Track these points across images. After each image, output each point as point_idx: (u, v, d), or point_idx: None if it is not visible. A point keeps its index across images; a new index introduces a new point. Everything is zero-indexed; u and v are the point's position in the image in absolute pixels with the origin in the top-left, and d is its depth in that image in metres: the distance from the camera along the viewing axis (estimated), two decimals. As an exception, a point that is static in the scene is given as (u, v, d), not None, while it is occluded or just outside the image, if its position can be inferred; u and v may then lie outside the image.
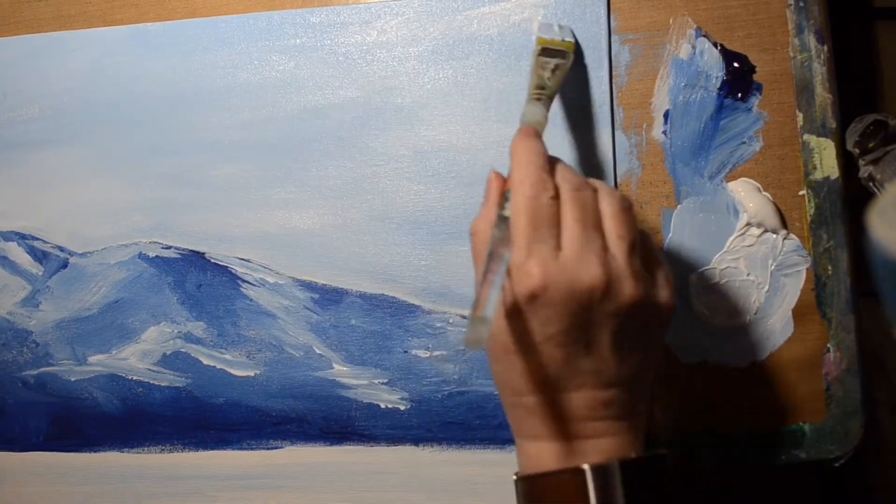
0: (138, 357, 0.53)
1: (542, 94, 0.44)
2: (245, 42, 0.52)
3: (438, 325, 0.51)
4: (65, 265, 0.53)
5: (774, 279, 0.50)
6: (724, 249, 0.51)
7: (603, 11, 0.49)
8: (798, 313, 0.51)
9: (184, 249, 0.52)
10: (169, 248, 0.52)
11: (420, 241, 0.51)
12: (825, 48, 0.50)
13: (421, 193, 0.51)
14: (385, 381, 0.51)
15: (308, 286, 0.52)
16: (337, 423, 0.51)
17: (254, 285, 0.52)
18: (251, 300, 0.52)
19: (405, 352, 0.51)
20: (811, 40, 0.50)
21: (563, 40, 0.48)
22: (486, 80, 0.50)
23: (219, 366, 0.52)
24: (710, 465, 0.51)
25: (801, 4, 0.50)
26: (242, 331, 0.52)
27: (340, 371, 0.51)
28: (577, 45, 0.49)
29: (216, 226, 0.52)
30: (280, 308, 0.52)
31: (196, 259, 0.52)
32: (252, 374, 0.52)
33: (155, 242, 0.53)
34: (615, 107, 0.51)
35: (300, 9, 0.52)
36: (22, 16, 0.54)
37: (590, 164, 0.50)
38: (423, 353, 0.51)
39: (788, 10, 0.50)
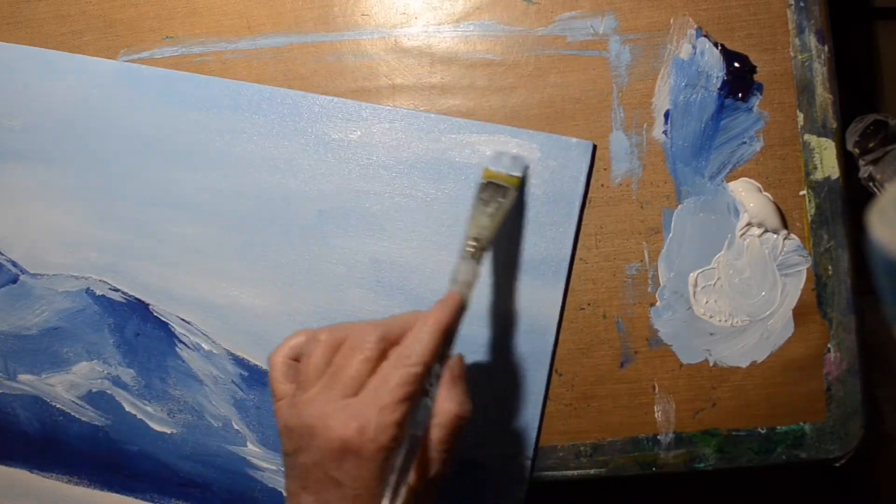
0: (65, 387, 0.53)
1: (475, 247, 0.43)
2: (231, 109, 0.52)
3: None
4: (14, 280, 0.54)
5: (775, 279, 0.50)
6: (725, 249, 0.51)
7: (585, 167, 0.50)
8: (798, 313, 0.51)
9: (130, 296, 0.53)
10: (117, 290, 0.53)
11: None
12: (826, 48, 0.50)
13: (369, 302, 0.51)
14: None
15: (240, 362, 0.52)
16: (239, 499, 0.52)
17: (189, 347, 0.52)
18: (183, 361, 0.53)
19: None
20: (812, 40, 0.50)
21: (509, 175, 0.47)
22: (454, 207, 0.50)
23: (139, 415, 0.53)
24: (710, 465, 0.51)
25: (802, 4, 0.50)
26: (169, 388, 0.53)
27: (253, 451, 0.52)
28: (523, 181, 0.49)
29: (166, 281, 0.52)
30: (209, 376, 0.52)
31: (140, 308, 0.53)
32: (169, 431, 0.53)
33: (104, 282, 0.53)
34: (616, 106, 0.51)
35: (294, 90, 0.52)
36: (22, 15, 0.54)
37: (530, 318, 0.50)
38: None
39: (789, 10, 0.51)
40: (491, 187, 0.46)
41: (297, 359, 0.40)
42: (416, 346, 0.37)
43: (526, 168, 0.50)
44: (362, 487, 0.36)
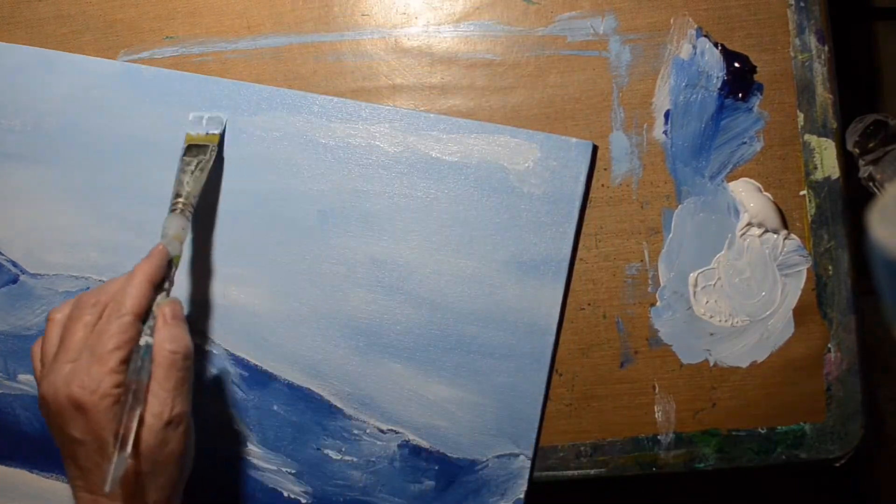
0: None
1: (179, 203, 0.46)
2: (231, 109, 0.52)
3: (356, 431, 0.51)
4: (14, 280, 0.53)
5: (775, 279, 0.50)
6: (725, 249, 0.51)
7: (585, 167, 0.50)
8: (799, 313, 0.51)
9: None
10: None
11: (357, 347, 0.51)
12: (826, 48, 0.50)
13: (368, 302, 0.51)
14: (293, 471, 0.52)
15: (240, 362, 0.52)
16: (239, 499, 0.52)
17: None
18: None
19: (318, 449, 0.51)
20: (812, 40, 0.50)
21: (207, 134, 0.50)
22: (453, 207, 0.51)
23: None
24: (710, 465, 0.51)
25: (802, 4, 0.50)
26: None
27: (253, 451, 0.52)
28: (222, 136, 0.51)
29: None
30: (209, 376, 0.52)
31: None
32: None
33: (104, 282, 0.53)
34: (616, 106, 0.51)
35: (294, 90, 0.52)
36: (22, 16, 0.54)
37: (530, 318, 0.50)
38: (334, 455, 0.51)
39: (789, 10, 0.51)
40: (193, 149, 0.49)
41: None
42: (124, 299, 0.41)
43: (224, 123, 0.51)
44: (97, 438, 0.39)
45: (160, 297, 0.43)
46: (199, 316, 0.52)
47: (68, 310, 0.42)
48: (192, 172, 0.48)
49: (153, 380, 0.40)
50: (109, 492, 0.37)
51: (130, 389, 0.39)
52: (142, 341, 0.41)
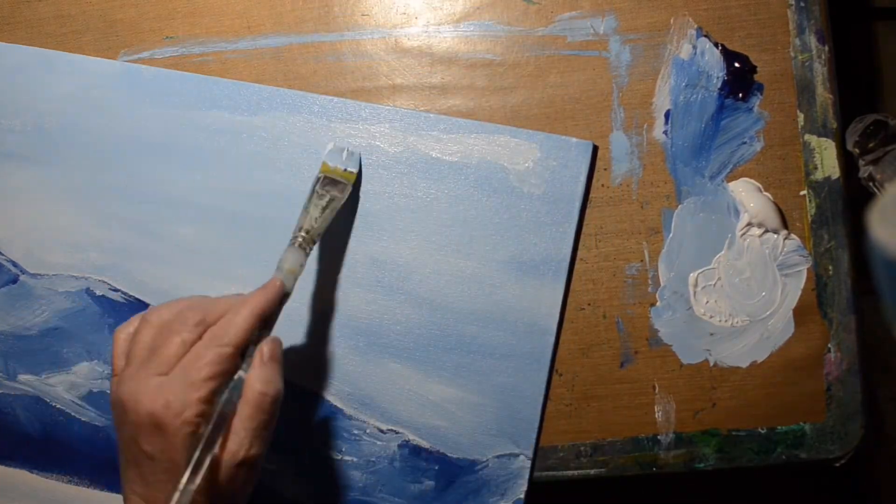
0: (66, 387, 0.53)
1: (305, 238, 0.45)
2: (231, 109, 0.52)
3: (356, 431, 0.51)
4: (14, 280, 0.53)
5: (775, 279, 0.50)
6: (725, 249, 0.51)
7: (585, 167, 0.50)
8: (799, 313, 0.51)
9: (130, 296, 0.53)
10: (117, 291, 0.53)
11: (357, 347, 0.51)
12: (826, 48, 0.50)
13: (368, 302, 0.51)
14: (293, 471, 0.52)
15: None
16: None
17: None
18: None
19: (318, 449, 0.52)
20: (812, 40, 0.50)
21: (345, 170, 0.49)
22: (454, 207, 0.51)
23: None
24: (710, 465, 0.51)
25: (802, 4, 0.50)
26: None
27: None
28: (359, 176, 0.50)
29: (166, 283, 0.52)
30: None
31: (140, 308, 0.52)
32: None
33: (104, 282, 0.53)
34: (616, 106, 0.51)
35: (294, 90, 0.52)
36: (22, 16, 0.54)
37: (530, 318, 0.50)
38: (334, 455, 0.51)
39: (789, 10, 0.51)
40: (327, 181, 0.48)
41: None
42: (230, 328, 0.40)
43: (360, 163, 0.50)
44: (170, 460, 0.38)
45: (263, 333, 0.41)
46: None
47: (168, 316, 0.40)
48: (323, 209, 0.46)
49: (237, 417, 0.39)
50: None
51: (213, 421, 0.38)
52: (236, 375, 0.40)
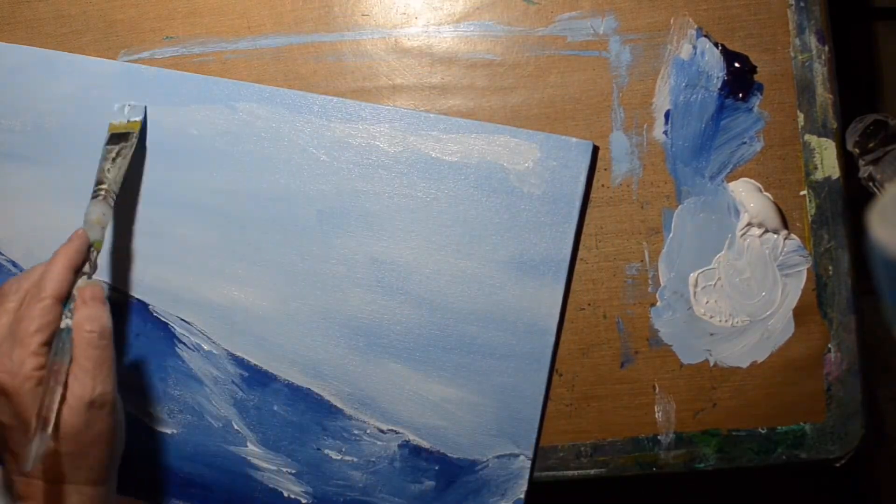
0: None
1: (102, 190, 0.47)
2: (231, 109, 0.52)
3: (356, 432, 0.51)
4: None
5: (775, 279, 0.50)
6: (725, 249, 0.51)
7: (585, 167, 0.50)
8: (799, 313, 0.51)
9: (130, 296, 0.53)
10: (117, 290, 0.53)
11: (357, 347, 0.51)
12: (826, 48, 0.50)
13: (368, 303, 0.51)
14: (294, 471, 0.52)
15: (240, 363, 0.52)
16: (240, 500, 0.52)
17: (189, 348, 0.52)
18: (183, 361, 0.52)
19: (318, 449, 0.51)
20: (812, 40, 0.50)
21: (129, 121, 0.51)
22: (454, 207, 0.51)
23: (139, 415, 0.53)
24: (711, 465, 0.51)
25: (802, 5, 0.50)
26: (169, 388, 0.53)
27: (253, 451, 0.52)
28: (143, 124, 0.52)
29: (166, 282, 0.52)
30: (209, 377, 0.52)
31: (140, 308, 0.53)
32: (169, 431, 0.53)
33: (104, 282, 0.53)
34: (616, 107, 0.51)
35: (294, 90, 0.52)
36: (22, 16, 0.54)
37: (530, 318, 0.50)
38: (334, 455, 0.51)
39: (789, 10, 0.51)
40: (115, 137, 0.50)
41: None
42: (44, 283, 0.41)
43: (145, 113, 0.52)
44: (24, 421, 0.39)
45: (81, 281, 0.43)
46: (199, 317, 0.52)
47: None
48: (114, 160, 0.49)
49: (73, 361, 0.41)
50: (30, 469, 0.38)
51: (52, 371, 0.40)
52: (62, 324, 0.41)
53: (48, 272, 0.42)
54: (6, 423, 0.40)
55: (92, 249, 0.45)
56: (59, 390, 0.40)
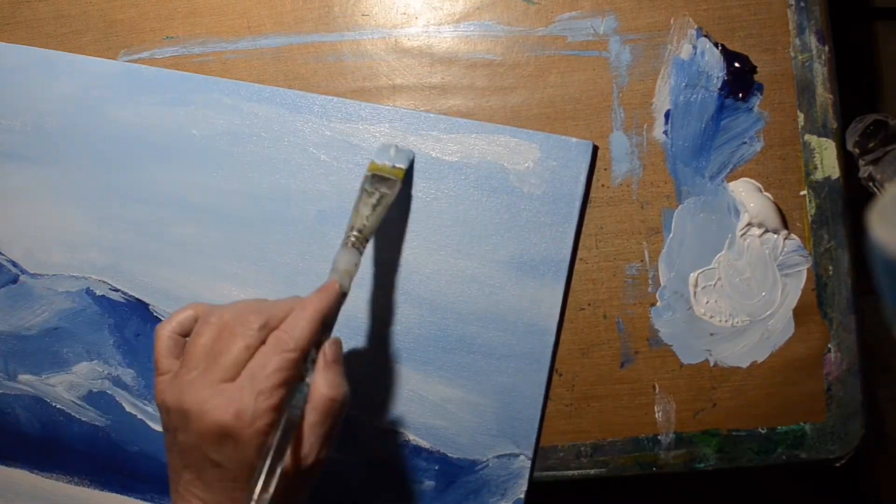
0: (66, 387, 0.53)
1: (358, 237, 0.44)
2: (231, 109, 0.52)
3: (356, 432, 0.51)
4: (14, 280, 0.54)
5: (775, 279, 0.50)
6: (725, 249, 0.51)
7: (585, 167, 0.50)
8: (799, 313, 0.51)
9: (130, 296, 0.53)
10: (117, 290, 0.53)
11: (357, 347, 0.51)
12: (826, 48, 0.50)
13: (368, 302, 0.51)
14: None
15: None
16: None
17: None
18: None
19: None
20: (812, 40, 0.50)
21: (393, 166, 0.48)
22: (453, 207, 0.51)
23: (140, 415, 0.53)
24: (711, 466, 0.51)
25: (802, 5, 0.50)
26: None
27: None
28: (408, 172, 0.49)
29: (166, 282, 0.52)
30: None
31: (140, 308, 0.53)
32: None
33: (104, 282, 0.53)
34: (616, 107, 0.51)
35: (294, 90, 0.52)
36: (22, 16, 0.54)
37: (530, 318, 0.50)
38: (334, 455, 0.51)
39: (789, 10, 0.51)
40: (376, 179, 0.47)
41: (184, 334, 0.41)
42: (294, 333, 0.39)
43: (411, 160, 0.50)
44: (240, 469, 0.37)
45: (325, 337, 0.41)
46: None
47: (228, 318, 0.39)
48: (374, 207, 0.45)
49: (305, 422, 0.39)
50: None
51: (281, 428, 0.37)
52: (301, 381, 0.39)
53: (298, 321, 0.39)
54: (216, 462, 0.37)
55: (341, 301, 0.42)
56: (287, 450, 0.37)
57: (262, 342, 0.39)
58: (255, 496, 0.36)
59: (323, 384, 0.39)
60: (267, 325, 0.39)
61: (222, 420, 0.37)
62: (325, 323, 0.40)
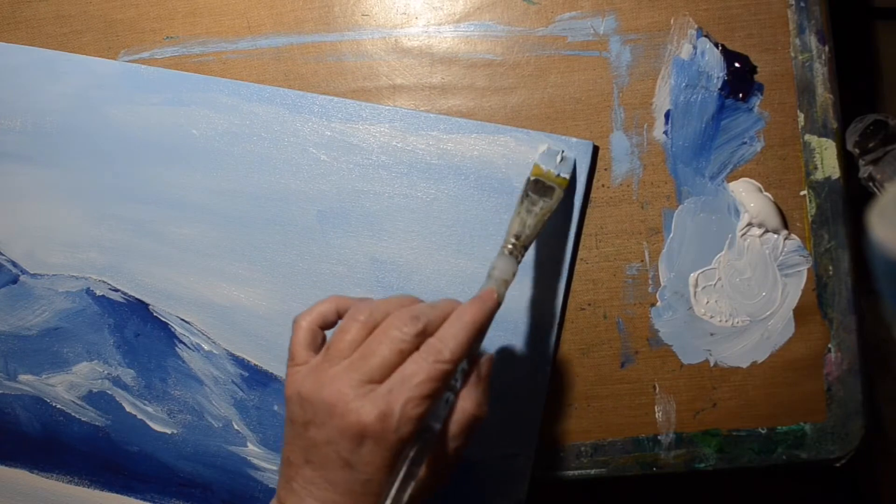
0: (66, 387, 0.54)
1: (516, 245, 0.43)
2: (231, 109, 0.52)
3: None
4: (14, 280, 0.54)
5: (775, 279, 0.50)
6: (725, 249, 0.51)
7: (585, 167, 0.50)
8: (799, 313, 0.51)
9: (130, 296, 0.53)
10: (116, 290, 0.53)
11: None
12: (826, 48, 0.50)
13: None
14: None
15: (240, 362, 0.52)
16: (240, 500, 0.52)
17: (189, 348, 0.52)
18: (183, 361, 0.53)
19: None
20: (812, 40, 0.50)
21: (558, 175, 0.47)
22: (455, 208, 0.51)
23: (139, 416, 0.53)
24: (711, 466, 0.51)
25: (802, 5, 0.50)
26: (169, 388, 0.53)
27: (254, 451, 0.52)
28: (572, 181, 0.49)
29: (165, 282, 0.52)
30: (209, 376, 0.52)
31: (140, 308, 0.53)
32: (169, 431, 0.53)
33: (104, 282, 0.53)
34: (616, 107, 0.51)
35: (294, 90, 0.52)
36: (22, 15, 0.54)
37: (530, 318, 0.50)
38: None
39: (789, 10, 0.51)
40: (539, 186, 0.45)
41: (323, 326, 0.40)
42: (450, 343, 0.37)
43: (574, 167, 0.49)
44: (374, 473, 0.36)
45: (479, 351, 0.40)
46: (199, 317, 0.52)
47: (379, 317, 0.38)
48: (536, 215, 0.44)
49: (444, 433, 0.38)
50: None
51: (423, 438, 0.36)
52: (451, 392, 0.38)
53: (456, 331, 0.37)
54: (349, 462, 0.36)
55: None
56: (425, 461, 0.37)
57: (416, 348, 0.37)
58: (389, 502, 0.35)
59: (470, 400, 0.38)
60: (423, 332, 0.37)
61: (366, 420, 0.35)
62: (481, 334, 0.39)
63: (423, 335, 0.37)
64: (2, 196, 0.53)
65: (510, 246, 0.42)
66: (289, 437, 0.38)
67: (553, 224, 0.49)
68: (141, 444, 0.53)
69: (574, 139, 0.50)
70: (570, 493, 0.57)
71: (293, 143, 0.51)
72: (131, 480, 0.53)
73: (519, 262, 0.42)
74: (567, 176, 0.47)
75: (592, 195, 0.51)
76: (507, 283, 0.41)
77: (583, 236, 0.51)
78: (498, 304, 0.40)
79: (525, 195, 0.45)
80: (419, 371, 0.36)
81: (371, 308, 0.39)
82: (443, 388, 0.37)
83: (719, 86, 0.50)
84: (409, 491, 0.36)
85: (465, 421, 0.38)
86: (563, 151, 0.48)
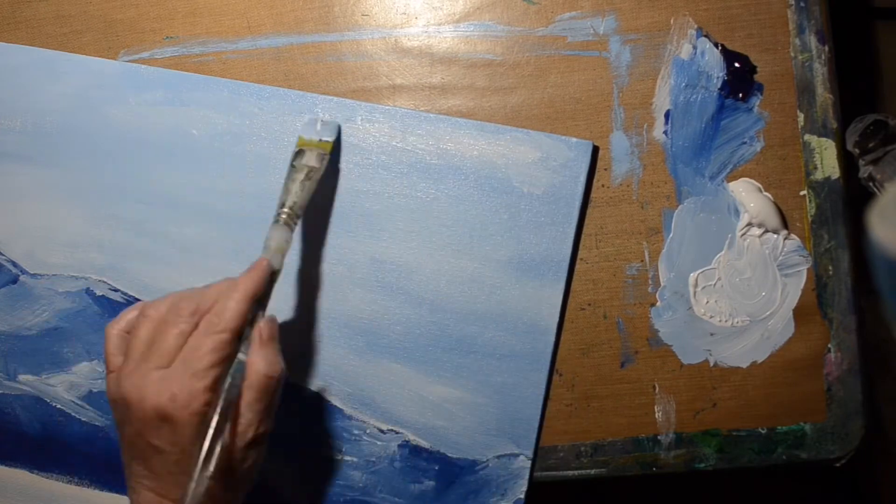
0: (66, 387, 0.53)
1: (289, 214, 0.44)
2: (231, 109, 0.52)
3: (356, 432, 0.51)
4: (14, 280, 0.54)
5: (775, 279, 0.50)
6: (725, 249, 0.51)
7: (585, 167, 0.50)
8: (799, 313, 0.51)
9: (130, 296, 0.53)
10: (116, 290, 0.53)
11: (357, 348, 0.51)
12: (826, 48, 0.50)
13: (368, 302, 0.51)
14: (294, 471, 0.52)
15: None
16: None
17: None
18: None
19: (318, 449, 0.51)
20: (812, 40, 0.50)
21: (321, 140, 0.48)
22: (454, 208, 0.50)
23: None
24: (711, 466, 0.51)
25: (802, 5, 0.50)
26: None
27: None
28: (335, 144, 0.49)
29: (165, 282, 0.52)
30: None
31: None
32: None
33: (104, 282, 0.53)
34: (616, 107, 0.51)
35: (294, 90, 0.52)
36: (22, 15, 0.54)
37: (530, 318, 0.50)
38: (334, 455, 0.51)
39: (789, 10, 0.51)
40: (304, 154, 0.47)
41: (131, 332, 0.42)
42: (224, 314, 0.40)
43: (338, 132, 0.50)
44: (181, 451, 0.38)
45: (259, 316, 0.42)
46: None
47: (164, 310, 0.40)
48: (302, 182, 0.46)
49: (242, 399, 0.39)
50: None
51: (219, 408, 0.38)
52: (236, 360, 0.40)
53: (228, 302, 0.40)
54: (158, 448, 0.38)
55: (272, 279, 0.43)
56: (227, 429, 0.38)
57: (196, 327, 0.40)
58: (196, 475, 0.36)
59: (259, 362, 0.40)
60: (198, 309, 0.40)
61: (158, 404, 0.38)
62: (257, 301, 0.41)
63: (199, 313, 0.40)
64: (2, 196, 0.53)
65: (283, 216, 0.44)
66: (120, 440, 0.41)
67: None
68: None
69: (574, 139, 0.50)
70: (570, 493, 0.57)
71: (293, 144, 0.51)
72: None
73: (292, 230, 0.45)
74: (330, 139, 0.49)
75: (592, 195, 0.51)
76: (282, 252, 0.44)
77: (583, 236, 0.51)
78: (273, 272, 0.43)
79: (291, 166, 0.47)
80: (199, 345, 0.39)
81: (157, 304, 0.41)
82: (226, 357, 0.39)
83: (719, 86, 0.50)
84: (214, 460, 0.37)
85: (259, 381, 0.40)
86: (321, 118, 0.50)
